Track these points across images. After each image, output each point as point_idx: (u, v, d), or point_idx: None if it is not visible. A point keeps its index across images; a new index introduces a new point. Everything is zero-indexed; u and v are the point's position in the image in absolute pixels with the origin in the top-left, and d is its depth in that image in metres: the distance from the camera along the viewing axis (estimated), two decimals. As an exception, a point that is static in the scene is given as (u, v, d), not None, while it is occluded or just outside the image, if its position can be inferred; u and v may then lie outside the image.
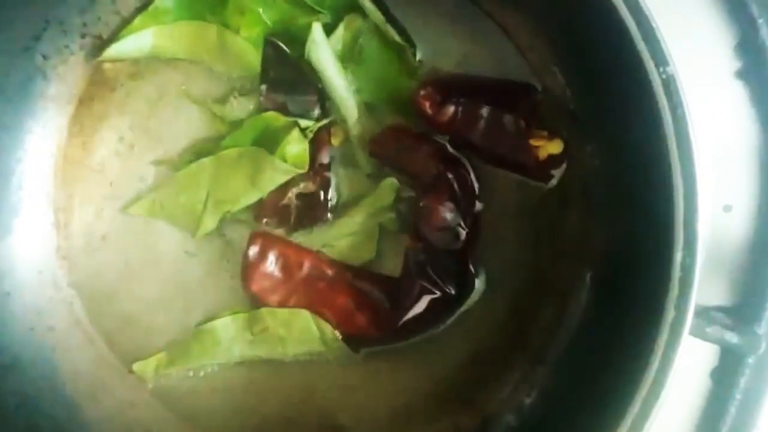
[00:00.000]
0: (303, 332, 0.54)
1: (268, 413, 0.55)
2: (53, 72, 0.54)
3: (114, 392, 0.55)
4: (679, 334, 0.40)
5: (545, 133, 0.52)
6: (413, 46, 0.54)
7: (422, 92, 0.52)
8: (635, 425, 0.41)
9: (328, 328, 0.54)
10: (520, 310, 0.54)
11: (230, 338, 0.54)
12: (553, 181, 0.53)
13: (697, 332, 0.49)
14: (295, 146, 0.53)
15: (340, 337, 0.54)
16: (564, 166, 0.53)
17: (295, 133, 0.53)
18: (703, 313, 0.51)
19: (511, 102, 0.52)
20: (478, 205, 0.53)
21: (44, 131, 0.55)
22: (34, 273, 0.55)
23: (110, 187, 0.56)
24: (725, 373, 0.53)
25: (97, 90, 0.55)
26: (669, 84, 0.39)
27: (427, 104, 0.52)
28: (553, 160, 0.52)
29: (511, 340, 0.54)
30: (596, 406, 0.45)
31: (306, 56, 0.53)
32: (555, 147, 0.52)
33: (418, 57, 0.54)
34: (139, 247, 0.56)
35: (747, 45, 0.53)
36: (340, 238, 0.55)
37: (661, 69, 0.39)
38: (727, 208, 0.53)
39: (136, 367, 0.55)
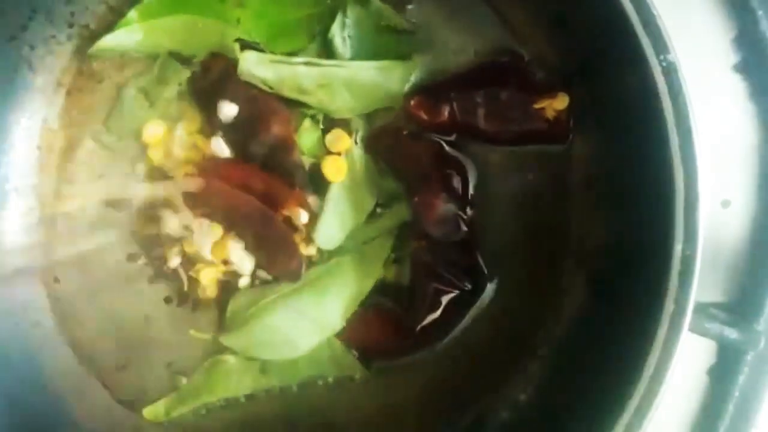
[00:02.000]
0: (313, 351, 0.52)
1: (259, 409, 0.54)
2: (40, 62, 0.53)
3: (102, 391, 0.54)
4: (680, 329, 0.39)
5: (545, 94, 0.51)
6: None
7: (413, 102, 0.52)
8: (633, 422, 0.40)
9: (337, 344, 0.52)
10: (515, 305, 0.53)
11: (241, 369, 0.53)
12: (570, 138, 0.52)
13: (697, 328, 0.48)
14: (309, 136, 0.52)
15: (355, 353, 0.53)
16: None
17: (306, 123, 0.52)
18: (701, 309, 0.50)
19: (501, 78, 0.52)
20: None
21: (30, 123, 0.54)
22: (19, 267, 0.53)
23: (98, 180, 0.55)
24: (724, 370, 0.52)
25: (84, 81, 0.54)
26: (670, 72, 0.39)
27: (422, 112, 0.52)
28: (563, 116, 0.51)
29: (506, 337, 0.53)
30: (593, 403, 0.44)
31: (330, 37, 0.52)
32: (560, 102, 0.51)
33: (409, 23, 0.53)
34: (128, 240, 0.54)
35: (746, 38, 0.52)
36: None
37: (662, 57, 0.39)
38: (726, 204, 0.53)
39: (146, 413, 0.53)
